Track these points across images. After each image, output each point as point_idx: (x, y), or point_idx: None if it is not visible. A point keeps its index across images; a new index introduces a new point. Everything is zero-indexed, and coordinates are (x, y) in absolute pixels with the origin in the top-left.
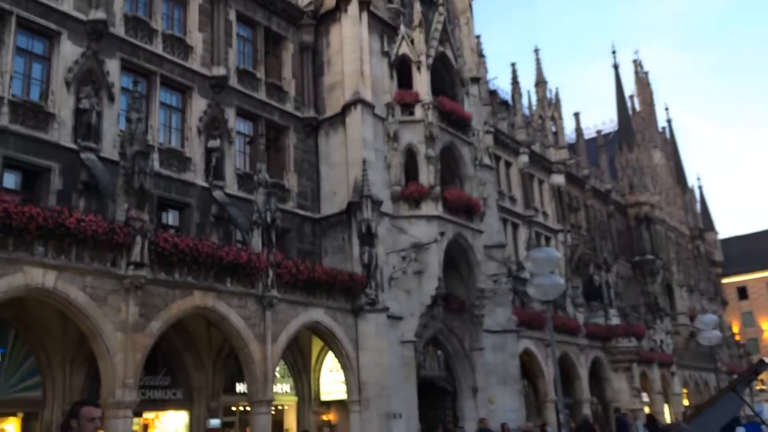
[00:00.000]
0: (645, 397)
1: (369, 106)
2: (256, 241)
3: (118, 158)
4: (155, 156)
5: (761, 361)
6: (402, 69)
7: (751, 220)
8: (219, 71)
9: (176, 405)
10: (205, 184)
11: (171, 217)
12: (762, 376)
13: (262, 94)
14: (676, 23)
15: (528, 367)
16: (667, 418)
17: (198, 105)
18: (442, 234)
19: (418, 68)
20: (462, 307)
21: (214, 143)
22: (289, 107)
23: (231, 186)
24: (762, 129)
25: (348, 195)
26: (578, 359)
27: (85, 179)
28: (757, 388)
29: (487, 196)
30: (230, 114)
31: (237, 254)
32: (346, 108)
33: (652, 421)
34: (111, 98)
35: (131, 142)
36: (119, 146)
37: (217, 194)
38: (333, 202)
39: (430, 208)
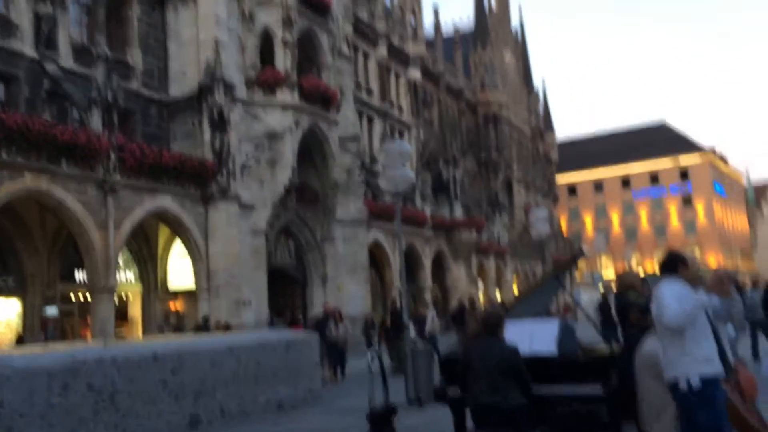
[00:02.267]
0: (480, 285)
1: None
2: (96, 122)
3: None
4: None
5: (579, 250)
6: None
7: (586, 122)
8: None
9: (7, 292)
10: (35, 55)
11: None
12: (580, 265)
13: None
14: None
15: (376, 257)
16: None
17: None
18: (297, 123)
19: None
20: (315, 198)
21: (44, 9)
22: None
23: (66, 59)
24: (606, 37)
25: (199, 77)
26: (423, 250)
27: None
28: (578, 279)
29: (343, 86)
30: None
31: (74, 134)
32: None
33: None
34: None
35: None
36: None
37: (50, 67)
38: (182, 84)
39: (285, 95)
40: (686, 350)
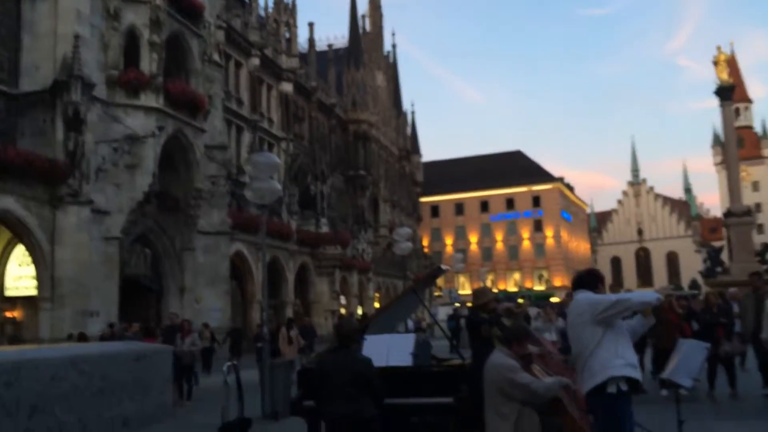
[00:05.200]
0: (343, 300)
1: None
2: None
3: None
4: None
5: (438, 268)
6: None
7: (449, 148)
8: None
9: None
10: None
11: None
12: (439, 282)
13: None
14: None
15: (238, 269)
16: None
17: None
18: (161, 128)
19: None
20: (176, 206)
21: None
22: None
23: None
24: (469, 71)
25: (54, 72)
26: (287, 263)
27: None
28: (436, 294)
29: (213, 94)
30: None
31: None
32: None
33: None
34: None
35: None
36: None
37: None
38: (35, 78)
39: (150, 99)
40: (619, 353)
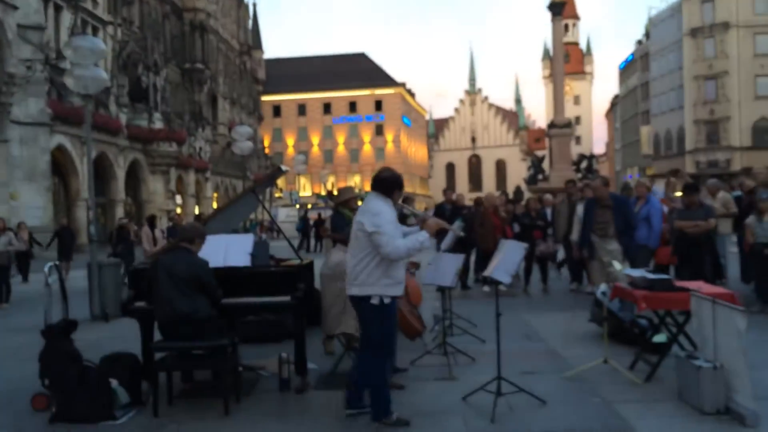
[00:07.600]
0: (179, 199)
1: None
2: None
3: None
4: None
5: (278, 168)
6: None
7: (293, 45)
8: None
9: None
10: None
11: None
12: (279, 184)
13: None
14: None
15: (60, 164)
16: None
17: None
18: None
19: None
20: None
21: None
22: None
23: None
24: None
25: None
26: (116, 160)
27: None
28: (276, 195)
29: None
30: None
31: None
32: None
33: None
34: None
35: None
36: None
37: None
38: None
39: None
40: (388, 273)
